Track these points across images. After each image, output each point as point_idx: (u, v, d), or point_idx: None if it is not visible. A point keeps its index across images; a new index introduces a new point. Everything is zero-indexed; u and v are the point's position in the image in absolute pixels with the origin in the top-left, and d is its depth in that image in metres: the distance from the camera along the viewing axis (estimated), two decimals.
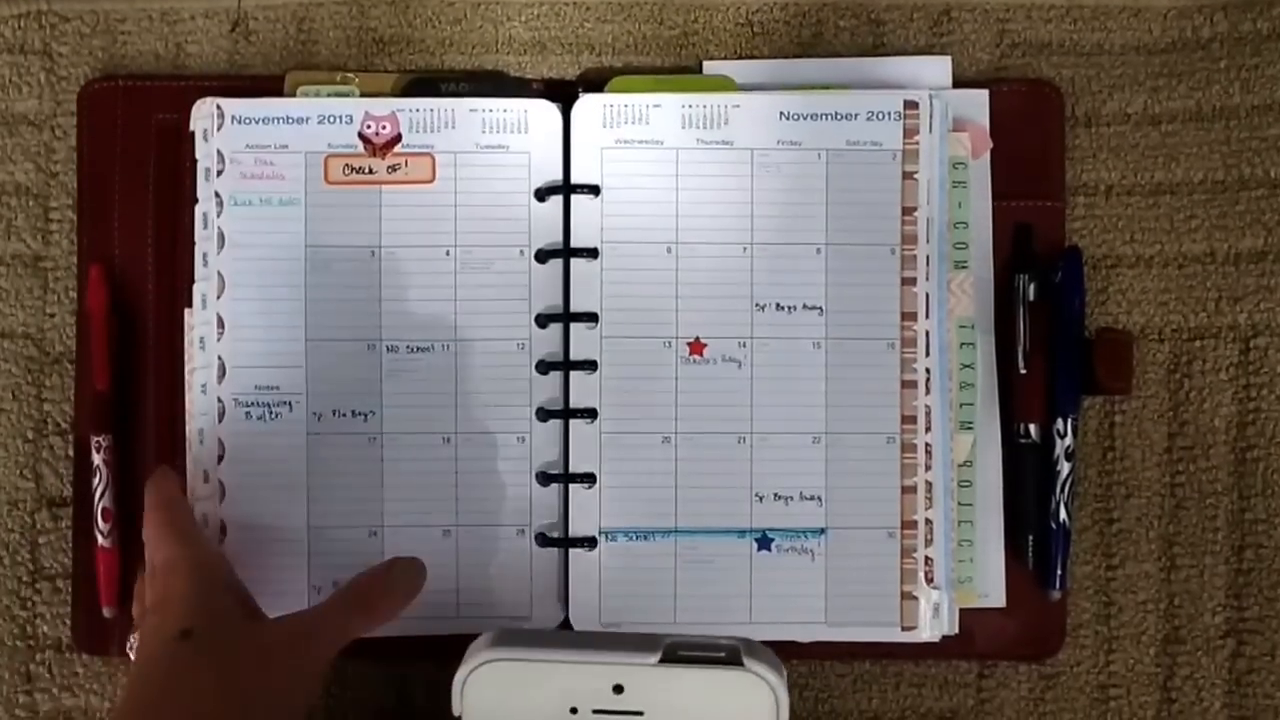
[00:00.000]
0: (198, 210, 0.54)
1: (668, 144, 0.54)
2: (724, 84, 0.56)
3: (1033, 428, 0.55)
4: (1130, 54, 0.57)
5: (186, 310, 0.54)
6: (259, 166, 0.53)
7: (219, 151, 0.53)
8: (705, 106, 0.54)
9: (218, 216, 0.53)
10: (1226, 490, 0.56)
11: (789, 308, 0.54)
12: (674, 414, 0.54)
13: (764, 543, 0.54)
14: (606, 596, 0.53)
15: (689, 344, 0.54)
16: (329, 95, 0.55)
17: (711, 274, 0.54)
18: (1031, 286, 0.55)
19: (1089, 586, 0.56)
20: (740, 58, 0.57)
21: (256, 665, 0.43)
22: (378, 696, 0.56)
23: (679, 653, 0.46)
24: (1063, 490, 0.54)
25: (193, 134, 0.54)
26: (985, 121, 0.56)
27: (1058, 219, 0.56)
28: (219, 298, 0.53)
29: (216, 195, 0.53)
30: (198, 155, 0.54)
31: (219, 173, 0.53)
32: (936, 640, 0.53)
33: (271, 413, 0.53)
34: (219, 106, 0.53)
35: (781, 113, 0.54)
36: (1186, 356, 0.57)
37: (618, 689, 0.46)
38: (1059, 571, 0.54)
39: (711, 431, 0.54)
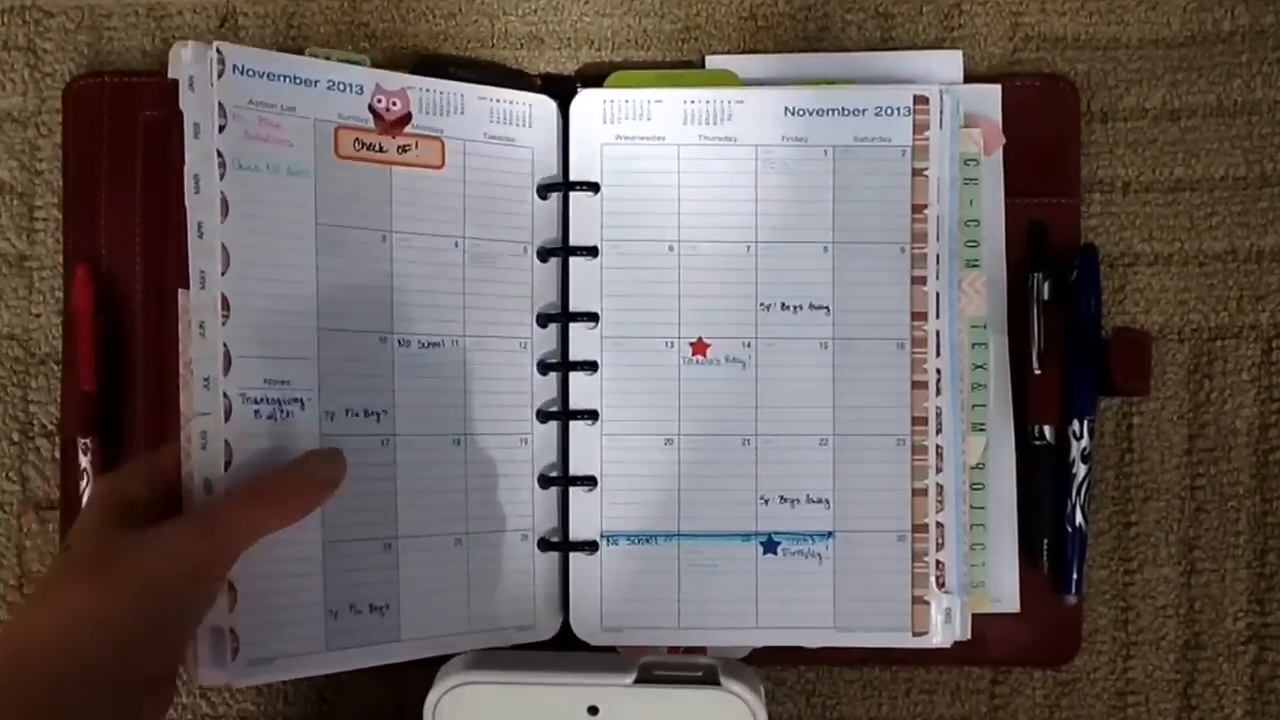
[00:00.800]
0: (186, 172, 0.47)
1: (669, 140, 0.53)
2: (727, 79, 0.55)
3: (1047, 429, 0.54)
4: (1148, 48, 0.57)
5: (181, 292, 0.47)
6: (264, 128, 0.48)
7: (220, 104, 0.47)
8: (708, 102, 0.53)
9: (220, 179, 0.46)
10: (1248, 493, 0.56)
11: (794, 307, 0.53)
12: (676, 415, 0.53)
13: (770, 546, 0.53)
14: (608, 601, 0.52)
15: (692, 344, 0.53)
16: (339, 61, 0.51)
17: (715, 273, 0.53)
18: (1046, 285, 0.54)
19: (1106, 591, 0.56)
20: (744, 52, 0.57)
21: (132, 562, 0.43)
22: (374, 703, 0.55)
23: (654, 673, 0.46)
24: (1079, 493, 0.53)
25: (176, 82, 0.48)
26: (998, 117, 0.55)
27: (1073, 216, 0.56)
28: (224, 274, 0.46)
29: (219, 155, 0.47)
30: (182, 107, 0.47)
31: (220, 128, 0.47)
32: (948, 646, 0.53)
33: (282, 411, 0.47)
34: (219, 50, 0.47)
35: (786, 108, 0.53)
36: (1207, 357, 0.56)
37: (592, 710, 0.46)
38: (1075, 576, 0.54)
39: (715, 434, 0.53)
